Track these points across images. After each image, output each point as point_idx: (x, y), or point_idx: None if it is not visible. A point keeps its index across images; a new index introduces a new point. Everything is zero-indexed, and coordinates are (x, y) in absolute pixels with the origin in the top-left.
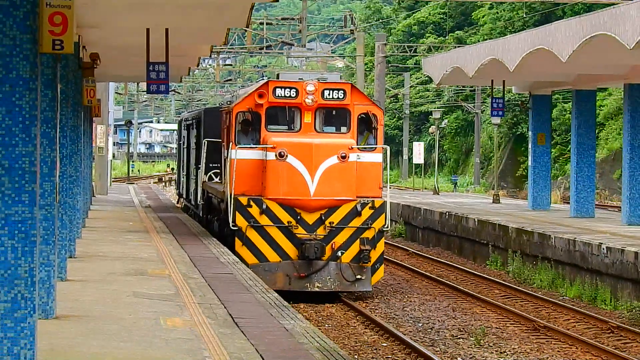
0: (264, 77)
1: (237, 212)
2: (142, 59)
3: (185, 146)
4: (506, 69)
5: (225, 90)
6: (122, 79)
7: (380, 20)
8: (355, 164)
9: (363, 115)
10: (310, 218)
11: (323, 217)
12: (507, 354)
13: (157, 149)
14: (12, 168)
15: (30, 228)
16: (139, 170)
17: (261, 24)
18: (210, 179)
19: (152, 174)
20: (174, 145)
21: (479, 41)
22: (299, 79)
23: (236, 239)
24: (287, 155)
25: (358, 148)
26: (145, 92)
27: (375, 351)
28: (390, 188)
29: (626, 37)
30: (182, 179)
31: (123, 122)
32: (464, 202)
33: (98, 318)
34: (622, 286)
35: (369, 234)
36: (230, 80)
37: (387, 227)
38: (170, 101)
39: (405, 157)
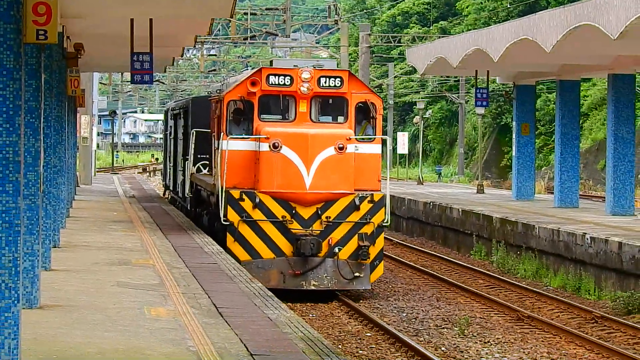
0: (248, 68)
1: (228, 206)
2: (126, 49)
3: (172, 137)
4: (490, 59)
5: (210, 81)
6: (106, 69)
7: (365, 11)
8: (353, 156)
9: (361, 104)
10: (306, 212)
11: (319, 212)
12: (491, 344)
13: (142, 139)
14: None
15: (14, 218)
16: (123, 161)
17: (245, 14)
18: (199, 170)
19: (136, 164)
20: (158, 136)
21: (463, 31)
22: (294, 65)
23: (228, 234)
24: (281, 146)
25: (356, 139)
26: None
27: (359, 341)
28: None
29: (610, 28)
30: (168, 170)
31: (107, 113)
32: (448, 192)
33: (82, 308)
34: (605, 276)
35: (367, 229)
36: (215, 70)
37: (387, 222)
38: (155, 91)
39: (390, 147)
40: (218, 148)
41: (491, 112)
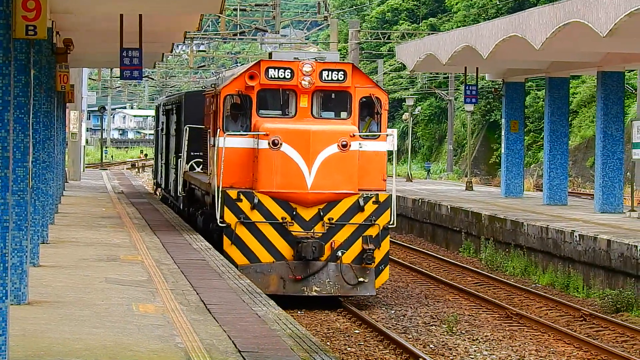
0: (237, 64)
1: (225, 207)
2: (115, 44)
3: (164, 133)
4: (479, 56)
5: (199, 77)
6: (95, 64)
7: (354, 7)
8: (357, 154)
9: (365, 99)
10: (307, 214)
11: (321, 213)
12: (480, 341)
13: (131, 135)
14: None
15: (2, 214)
16: (112, 156)
17: (235, 10)
18: (192, 168)
19: (125, 160)
20: (148, 132)
21: (452, 28)
22: (294, 58)
23: (224, 236)
24: (281, 144)
25: (360, 135)
26: (118, 78)
27: (347, 338)
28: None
29: (599, 25)
30: (160, 168)
31: (96, 108)
32: (437, 189)
33: (70, 304)
34: (594, 274)
35: (372, 232)
36: (204, 66)
37: (393, 224)
38: (144, 87)
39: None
40: (214, 145)
41: (480, 109)
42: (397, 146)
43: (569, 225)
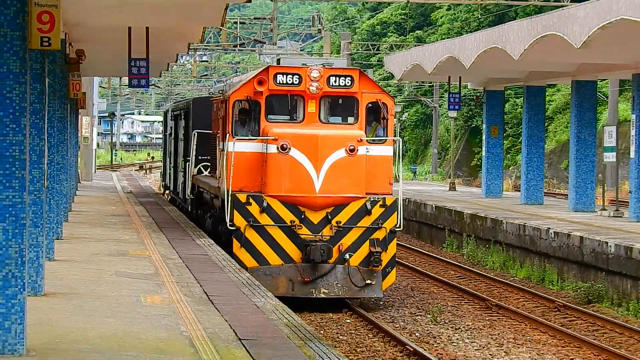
0: (238, 72)
1: (235, 211)
2: (124, 55)
3: (172, 137)
4: (462, 66)
5: (202, 85)
6: (105, 73)
7: (346, 20)
8: (365, 158)
9: (372, 105)
10: (316, 217)
11: (329, 216)
12: (462, 330)
13: (139, 139)
14: (3, 156)
15: (20, 212)
16: (121, 159)
17: (235, 23)
18: (199, 172)
19: (133, 162)
20: (154, 136)
21: (437, 40)
22: (302, 64)
23: (234, 240)
24: (290, 148)
25: (367, 140)
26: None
27: (339, 327)
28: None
29: (574, 37)
30: (169, 171)
31: (107, 114)
32: (423, 190)
33: (83, 295)
34: (568, 268)
35: (379, 235)
36: (206, 75)
37: (400, 227)
38: (151, 94)
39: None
40: (223, 150)
41: (463, 115)
42: None
43: (544, 223)
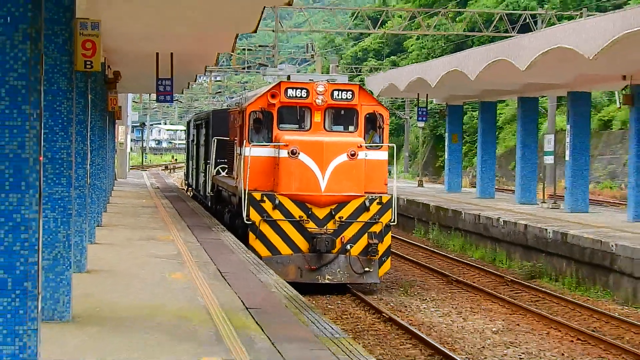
0: (246, 90)
1: (250, 207)
2: (152, 75)
3: (194, 143)
4: (429, 85)
5: (216, 100)
6: (137, 90)
7: (334, 47)
8: (364, 162)
9: (369, 115)
10: (321, 213)
11: (333, 212)
12: (428, 300)
13: (164, 144)
14: (54, 158)
15: (67, 204)
16: (150, 160)
17: (243, 49)
18: (218, 172)
19: (160, 163)
20: (177, 142)
21: (408, 64)
22: (310, 80)
23: (250, 232)
24: (299, 153)
25: (366, 146)
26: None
27: (328, 298)
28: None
29: (521, 62)
30: (191, 172)
31: (138, 124)
32: (397, 186)
33: (119, 273)
34: (514, 250)
35: (376, 228)
36: (220, 92)
37: (394, 222)
38: (174, 108)
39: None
40: (240, 154)
41: (429, 125)
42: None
43: (496, 214)
